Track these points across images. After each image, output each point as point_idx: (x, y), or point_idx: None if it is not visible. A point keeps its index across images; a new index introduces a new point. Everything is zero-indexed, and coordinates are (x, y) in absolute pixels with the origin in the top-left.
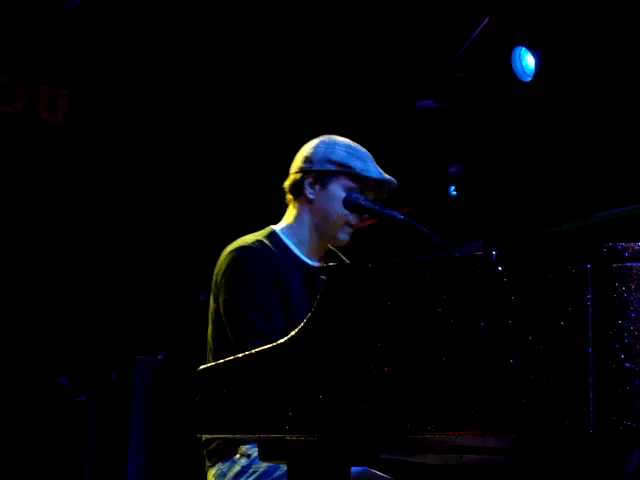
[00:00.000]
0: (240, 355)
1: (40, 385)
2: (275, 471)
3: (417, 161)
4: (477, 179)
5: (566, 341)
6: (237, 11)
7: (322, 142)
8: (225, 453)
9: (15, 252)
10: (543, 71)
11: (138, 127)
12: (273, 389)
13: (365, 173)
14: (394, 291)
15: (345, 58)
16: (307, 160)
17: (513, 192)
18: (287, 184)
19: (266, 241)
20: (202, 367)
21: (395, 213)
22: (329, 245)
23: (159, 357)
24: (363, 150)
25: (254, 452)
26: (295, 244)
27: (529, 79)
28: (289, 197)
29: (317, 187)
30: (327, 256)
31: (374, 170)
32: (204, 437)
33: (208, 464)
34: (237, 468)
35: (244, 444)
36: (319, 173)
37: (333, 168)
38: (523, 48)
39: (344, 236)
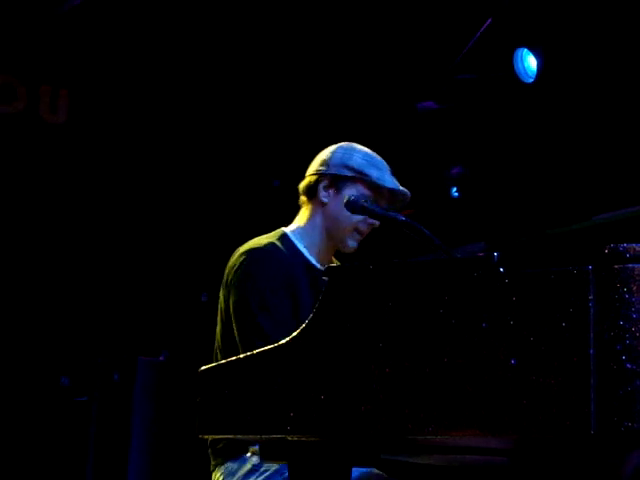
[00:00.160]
0: (242, 356)
1: (41, 385)
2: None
3: (419, 162)
4: (479, 180)
5: (567, 342)
6: (238, 14)
7: (341, 147)
8: (235, 452)
9: (16, 252)
10: (545, 73)
11: (140, 127)
12: (274, 390)
13: (380, 182)
14: (396, 292)
15: (347, 59)
16: (324, 163)
17: (515, 193)
18: (302, 185)
19: (278, 243)
20: (203, 368)
21: (397, 215)
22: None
23: (161, 358)
24: (381, 160)
25: None
26: (305, 247)
27: (531, 80)
28: (303, 199)
29: (331, 191)
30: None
31: (389, 180)
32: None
33: (214, 463)
34: (248, 466)
35: (254, 444)
36: (334, 177)
37: (349, 174)
38: (525, 49)
39: (352, 242)
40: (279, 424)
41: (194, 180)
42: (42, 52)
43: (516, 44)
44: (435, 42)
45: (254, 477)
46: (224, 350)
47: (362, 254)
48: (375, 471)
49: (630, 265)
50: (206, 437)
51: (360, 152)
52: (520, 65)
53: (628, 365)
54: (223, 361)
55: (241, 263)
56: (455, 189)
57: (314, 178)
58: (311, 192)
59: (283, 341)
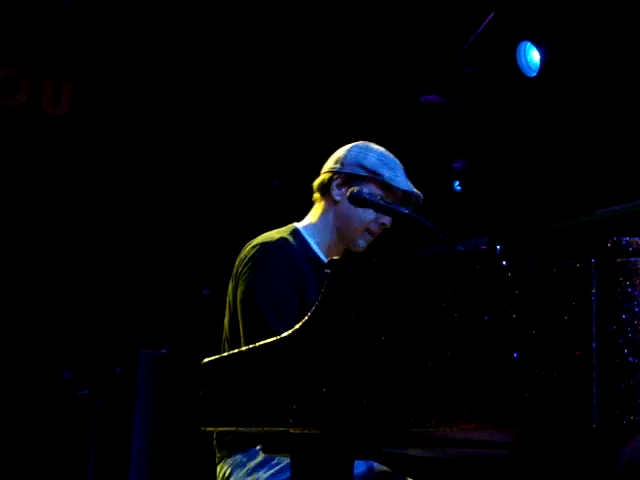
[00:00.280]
0: (244, 348)
1: (44, 379)
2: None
3: (422, 156)
4: (482, 174)
5: (570, 335)
6: (239, 9)
7: (356, 146)
8: (244, 444)
9: (18, 245)
10: (548, 66)
11: (142, 120)
12: (277, 382)
13: (393, 183)
14: (398, 285)
15: (350, 53)
16: (338, 161)
17: (518, 187)
18: (316, 182)
19: (290, 238)
20: (206, 360)
21: (400, 208)
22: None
23: (163, 351)
24: (396, 161)
25: None
26: (317, 244)
27: (534, 74)
28: (316, 196)
29: (344, 189)
30: None
31: (403, 182)
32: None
33: (219, 455)
34: (259, 459)
35: None
36: (348, 176)
37: (362, 173)
38: (528, 43)
39: (362, 242)
40: (281, 417)
41: (196, 176)
42: (45, 45)
43: (519, 38)
44: (438, 36)
45: (265, 470)
46: (232, 341)
47: (367, 248)
48: (380, 467)
49: (633, 259)
50: (208, 430)
51: (375, 152)
52: (523, 59)
53: (630, 359)
54: (225, 354)
55: (252, 255)
56: (458, 183)
57: (328, 176)
58: (324, 189)
59: (285, 334)
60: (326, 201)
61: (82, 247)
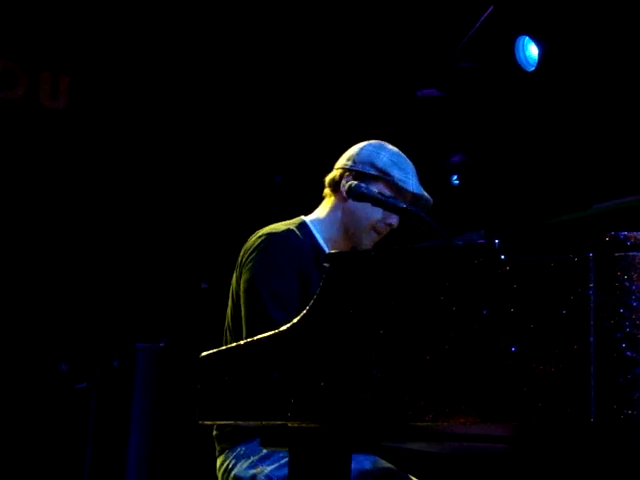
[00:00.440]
0: (242, 342)
1: (41, 371)
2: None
3: (419, 150)
4: (479, 168)
5: (568, 330)
6: (238, 8)
7: (370, 145)
8: (246, 435)
9: (15, 239)
10: (546, 61)
11: (140, 114)
12: (275, 376)
13: (403, 184)
14: (396, 279)
15: (348, 47)
16: (351, 158)
17: (515, 181)
18: (328, 178)
19: (297, 231)
20: (204, 354)
21: (398, 202)
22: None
23: (160, 344)
24: (408, 162)
25: None
26: (323, 239)
27: (532, 69)
28: (326, 191)
29: None
30: None
31: (413, 184)
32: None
33: (220, 447)
34: (264, 451)
35: None
36: (359, 174)
37: (373, 172)
38: (527, 38)
39: (368, 241)
40: (280, 410)
41: (195, 170)
42: (42, 38)
43: (517, 32)
44: (436, 30)
45: (269, 463)
46: (234, 330)
47: None
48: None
49: (631, 253)
50: (206, 423)
51: (388, 152)
52: (521, 53)
53: (628, 353)
54: (223, 347)
55: (258, 245)
56: (456, 177)
57: (339, 172)
58: (335, 186)
59: (284, 327)
60: (336, 197)
61: (80, 241)
